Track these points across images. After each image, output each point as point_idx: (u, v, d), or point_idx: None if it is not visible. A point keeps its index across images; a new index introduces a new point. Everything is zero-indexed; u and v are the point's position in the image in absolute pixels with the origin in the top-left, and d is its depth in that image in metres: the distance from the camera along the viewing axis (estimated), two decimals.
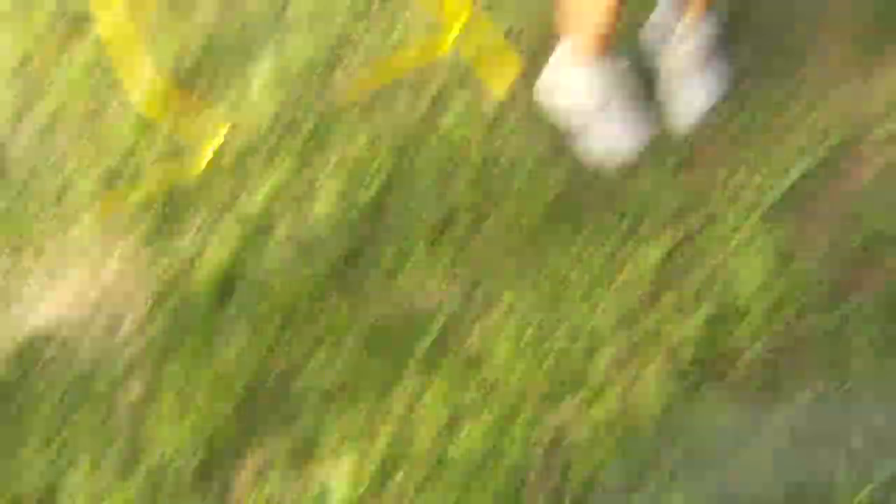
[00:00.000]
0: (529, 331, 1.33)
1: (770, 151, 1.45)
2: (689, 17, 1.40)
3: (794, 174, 1.41)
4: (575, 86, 1.44)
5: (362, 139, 1.61)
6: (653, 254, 1.37)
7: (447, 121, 1.61)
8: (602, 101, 1.42)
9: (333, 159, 1.60)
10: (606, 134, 1.45)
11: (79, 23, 1.95)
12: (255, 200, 1.57)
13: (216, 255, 1.51)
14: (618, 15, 1.29)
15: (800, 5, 1.59)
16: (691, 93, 1.45)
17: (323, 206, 1.55)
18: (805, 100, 1.48)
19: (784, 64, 1.53)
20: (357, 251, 1.49)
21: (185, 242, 1.54)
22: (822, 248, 1.33)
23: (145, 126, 1.72)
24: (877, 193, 1.36)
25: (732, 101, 1.50)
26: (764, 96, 1.51)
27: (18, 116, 1.83)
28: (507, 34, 1.69)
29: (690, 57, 1.42)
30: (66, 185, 1.68)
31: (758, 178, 1.42)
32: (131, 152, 1.69)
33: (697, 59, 1.42)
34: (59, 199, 1.66)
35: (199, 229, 1.55)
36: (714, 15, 1.45)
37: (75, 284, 1.54)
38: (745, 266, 1.33)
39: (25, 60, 1.91)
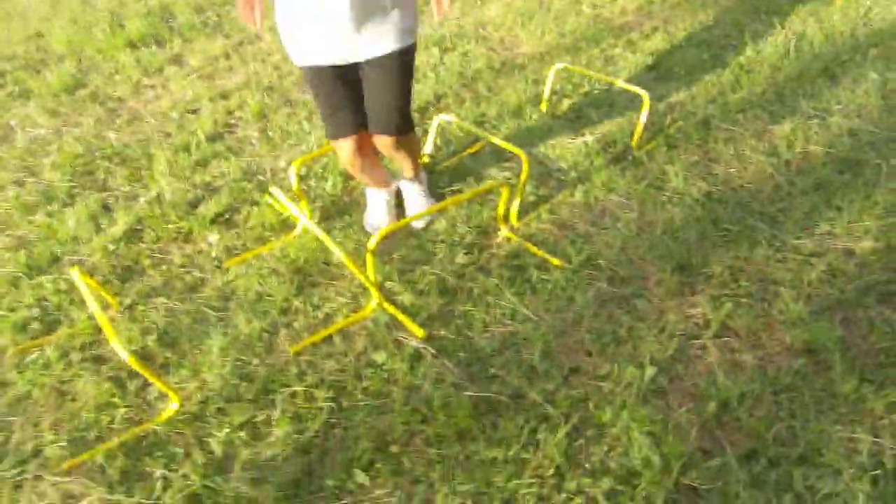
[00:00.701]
0: None
1: (630, 357, 1.95)
2: (407, 178, 2.62)
3: (650, 371, 1.90)
4: (371, 203, 2.59)
5: (308, 380, 1.96)
6: (557, 440, 1.74)
7: (378, 359, 2.00)
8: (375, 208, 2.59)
9: (281, 400, 1.92)
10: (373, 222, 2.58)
11: (52, 325, 2.29)
12: (217, 440, 1.82)
13: (181, 489, 1.71)
14: (359, 169, 2.43)
15: (631, 252, 2.24)
16: (415, 203, 2.64)
17: (275, 441, 1.82)
18: (651, 317, 2.04)
19: (627, 292, 2.13)
20: (307, 476, 1.75)
21: (153, 484, 1.73)
22: (685, 420, 1.77)
23: (118, 385, 1.99)
24: (716, 374, 1.87)
25: (600, 320, 2.03)
26: (616, 317, 2.06)
27: None
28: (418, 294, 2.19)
29: (412, 196, 2.63)
30: (37, 446, 1.86)
31: (627, 375, 1.89)
32: (105, 407, 1.93)
33: (416, 198, 2.63)
34: (28, 459, 1.83)
35: (163, 472, 1.76)
36: (418, 180, 2.61)
37: None
38: (632, 443, 1.73)
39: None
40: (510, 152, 2.92)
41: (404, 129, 2.31)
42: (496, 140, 2.51)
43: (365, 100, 2.24)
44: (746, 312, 2.08)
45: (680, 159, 2.79)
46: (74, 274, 2.03)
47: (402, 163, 2.53)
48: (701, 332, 2.03)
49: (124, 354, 1.76)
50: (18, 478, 1.77)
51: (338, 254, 2.02)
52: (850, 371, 1.87)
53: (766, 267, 2.24)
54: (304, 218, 2.18)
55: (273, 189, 2.32)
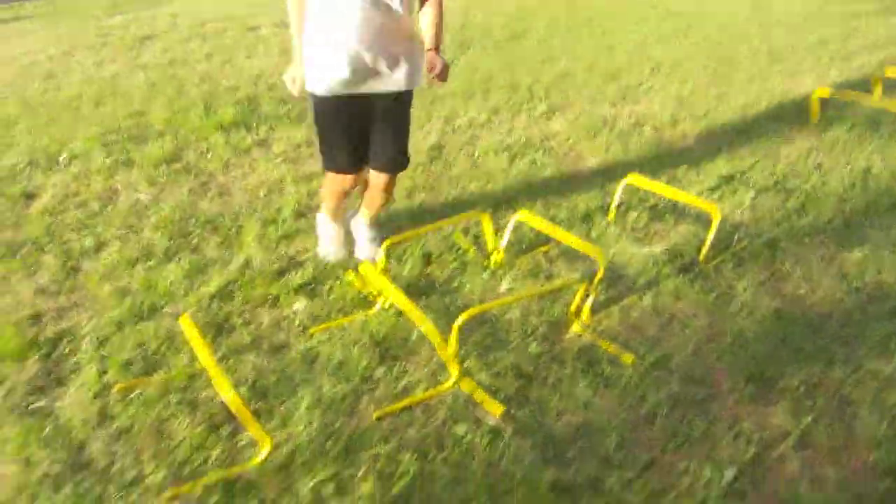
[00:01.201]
0: None
1: (707, 457, 2.04)
2: (365, 220, 3.02)
3: (729, 474, 1.98)
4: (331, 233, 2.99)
5: (391, 445, 2.07)
6: None
7: (458, 432, 2.11)
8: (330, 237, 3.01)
9: (365, 463, 2.02)
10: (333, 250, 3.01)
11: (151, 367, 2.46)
12: (305, 490, 1.92)
13: None
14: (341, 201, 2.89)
15: (702, 358, 2.35)
16: (365, 249, 3.03)
17: (360, 497, 1.92)
18: (726, 421, 2.13)
19: (700, 395, 2.23)
20: None
21: None
22: None
23: (211, 429, 2.12)
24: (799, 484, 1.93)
25: (674, 419, 2.13)
26: (689, 418, 2.15)
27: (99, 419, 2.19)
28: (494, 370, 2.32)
29: (364, 237, 3.04)
30: (139, 475, 1.98)
31: (706, 473, 1.97)
32: (200, 448, 2.05)
33: (367, 241, 3.03)
34: (132, 484, 1.95)
35: None
36: (375, 225, 3.04)
37: None
38: None
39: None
40: (580, 254, 3.10)
41: (404, 167, 2.78)
42: (574, 238, 2.69)
43: (374, 137, 2.64)
44: (826, 428, 2.15)
45: (748, 276, 2.94)
46: (183, 322, 2.20)
47: (374, 203, 2.93)
48: (779, 442, 2.10)
49: (229, 395, 1.90)
50: (121, 502, 1.88)
51: (423, 327, 2.17)
52: None
53: (843, 387, 2.32)
54: (391, 292, 2.35)
55: (364, 263, 2.51)
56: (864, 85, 5.24)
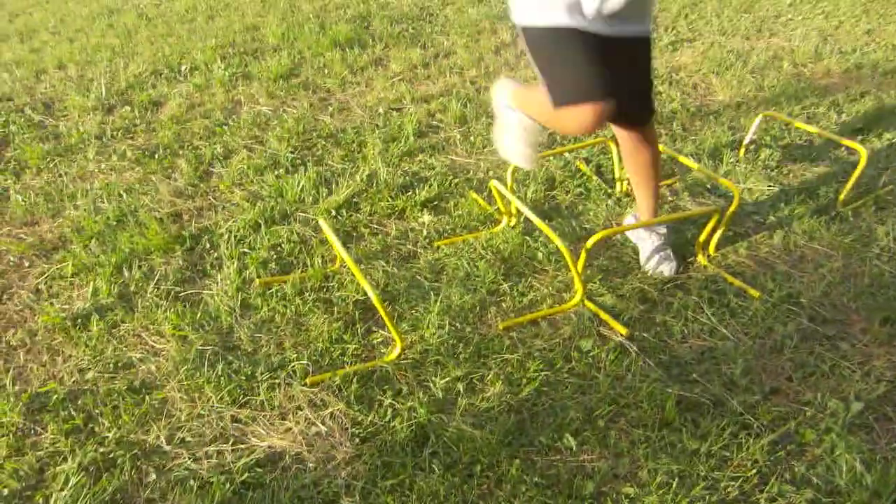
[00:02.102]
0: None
1: (833, 391, 2.14)
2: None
3: (857, 406, 2.07)
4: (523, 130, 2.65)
5: (518, 354, 2.26)
6: (760, 444, 1.95)
7: (584, 346, 2.28)
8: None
9: (494, 367, 2.22)
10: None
11: (286, 267, 2.72)
12: (438, 385, 2.14)
13: (409, 418, 2.03)
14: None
15: (834, 297, 2.42)
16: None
17: (490, 396, 2.13)
18: (856, 359, 2.22)
19: (830, 332, 2.32)
20: (520, 431, 2.03)
21: (384, 410, 2.07)
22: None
23: (346, 326, 2.37)
24: None
25: (801, 353, 2.23)
26: (818, 353, 2.25)
27: (242, 310, 2.48)
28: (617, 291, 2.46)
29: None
30: (283, 361, 2.26)
31: (831, 405, 2.07)
32: (337, 342, 2.31)
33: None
34: (278, 368, 2.23)
35: (392, 401, 2.10)
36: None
37: (294, 429, 2.03)
38: (836, 464, 1.91)
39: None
40: (707, 189, 3.16)
41: (651, 116, 2.56)
42: (707, 171, 2.76)
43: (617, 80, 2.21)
44: None
45: (890, 221, 2.94)
46: (322, 222, 2.44)
47: (648, 171, 2.64)
48: None
49: (371, 292, 2.13)
50: (271, 381, 2.16)
51: (556, 242, 2.32)
52: None
53: None
54: (524, 208, 2.50)
55: (494, 181, 2.67)
56: None
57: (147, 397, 2.18)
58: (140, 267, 2.75)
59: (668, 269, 2.65)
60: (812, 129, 3.28)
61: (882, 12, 5.52)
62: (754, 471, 1.90)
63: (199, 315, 2.47)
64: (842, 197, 3.07)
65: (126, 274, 2.71)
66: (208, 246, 2.85)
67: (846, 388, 2.16)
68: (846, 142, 3.13)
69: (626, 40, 2.28)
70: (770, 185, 3.22)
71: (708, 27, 5.28)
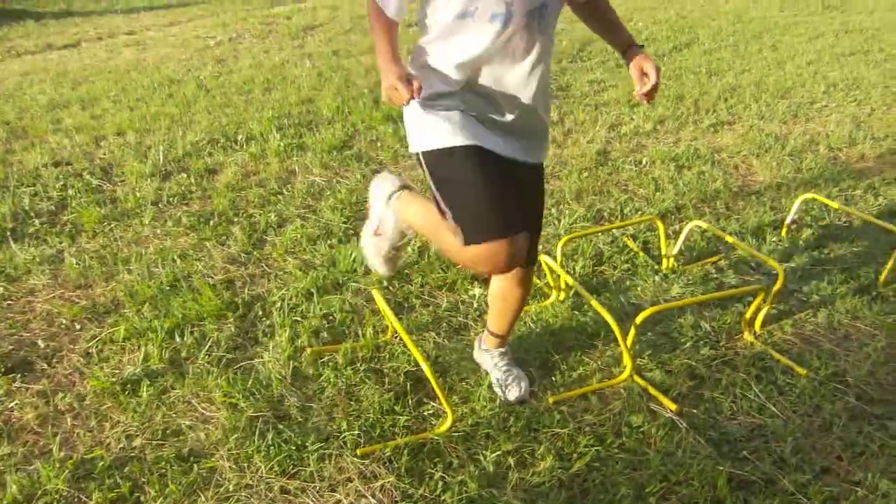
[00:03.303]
0: None
1: (884, 472, 2.12)
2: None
3: None
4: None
5: (569, 428, 2.28)
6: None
7: (634, 421, 2.30)
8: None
9: (544, 441, 2.25)
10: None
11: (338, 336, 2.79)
12: (488, 459, 2.17)
13: (460, 492, 2.06)
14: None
15: (880, 377, 2.41)
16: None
17: (541, 471, 2.14)
18: None
19: (878, 412, 2.31)
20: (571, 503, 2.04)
21: (434, 483, 2.10)
22: None
23: (398, 397, 2.41)
24: None
25: (850, 432, 2.23)
26: (867, 433, 2.24)
27: (293, 378, 2.54)
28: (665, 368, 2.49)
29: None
30: (333, 431, 2.30)
31: (883, 486, 2.05)
32: (388, 413, 2.35)
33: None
34: (328, 438, 2.26)
35: (442, 475, 2.12)
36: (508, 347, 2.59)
37: (343, 501, 2.05)
38: None
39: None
40: (751, 267, 3.20)
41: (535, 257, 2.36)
42: (751, 250, 2.81)
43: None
44: None
45: None
46: (375, 294, 2.51)
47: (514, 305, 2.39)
48: None
49: (423, 364, 2.18)
50: (321, 451, 2.19)
51: (606, 317, 2.37)
52: None
53: None
54: (574, 283, 2.56)
55: (545, 256, 2.74)
56: None
57: (195, 466, 2.18)
58: (192, 333, 2.80)
59: (516, 392, 2.42)
60: (852, 210, 3.32)
61: None
62: None
63: (249, 383, 2.51)
64: (882, 277, 3.09)
65: (178, 339, 2.77)
66: (260, 313, 2.93)
67: None
68: (886, 225, 3.16)
69: (529, 168, 2.13)
70: (812, 265, 3.25)
71: (747, 111, 5.39)
